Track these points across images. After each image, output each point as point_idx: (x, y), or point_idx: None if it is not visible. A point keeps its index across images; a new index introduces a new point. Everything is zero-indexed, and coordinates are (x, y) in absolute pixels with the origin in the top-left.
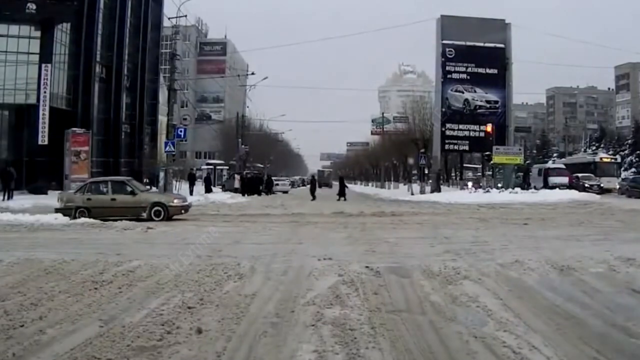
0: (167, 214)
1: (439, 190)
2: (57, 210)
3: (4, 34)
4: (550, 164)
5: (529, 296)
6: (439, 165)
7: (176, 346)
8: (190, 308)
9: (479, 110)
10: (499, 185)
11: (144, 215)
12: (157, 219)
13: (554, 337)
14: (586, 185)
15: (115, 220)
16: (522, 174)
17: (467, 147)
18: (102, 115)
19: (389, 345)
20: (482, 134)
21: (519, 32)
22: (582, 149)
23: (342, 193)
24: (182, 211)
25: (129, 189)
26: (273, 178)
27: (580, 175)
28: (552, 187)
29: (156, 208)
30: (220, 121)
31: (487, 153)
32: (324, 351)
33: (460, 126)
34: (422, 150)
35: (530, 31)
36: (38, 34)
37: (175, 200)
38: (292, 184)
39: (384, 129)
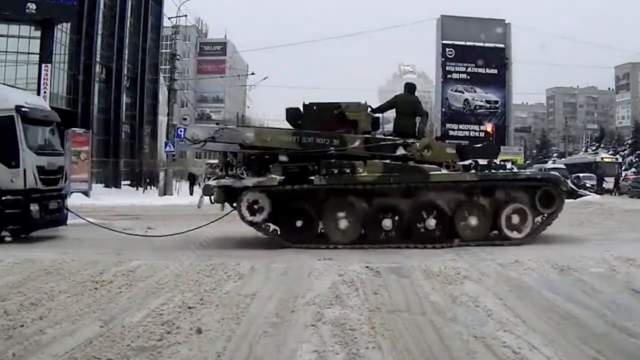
0: None
1: None
2: None
3: (4, 34)
4: (550, 164)
5: (529, 296)
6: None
7: (176, 346)
8: (190, 308)
9: (479, 110)
10: None
11: None
12: None
13: (554, 337)
14: (587, 185)
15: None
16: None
17: None
18: (102, 115)
19: (389, 345)
20: (482, 134)
21: (519, 32)
22: (582, 149)
23: None
24: None
25: None
26: None
27: (581, 175)
28: None
29: None
30: (221, 121)
31: None
32: (324, 351)
33: (460, 126)
34: None
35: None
36: (38, 34)
37: None
38: None
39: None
